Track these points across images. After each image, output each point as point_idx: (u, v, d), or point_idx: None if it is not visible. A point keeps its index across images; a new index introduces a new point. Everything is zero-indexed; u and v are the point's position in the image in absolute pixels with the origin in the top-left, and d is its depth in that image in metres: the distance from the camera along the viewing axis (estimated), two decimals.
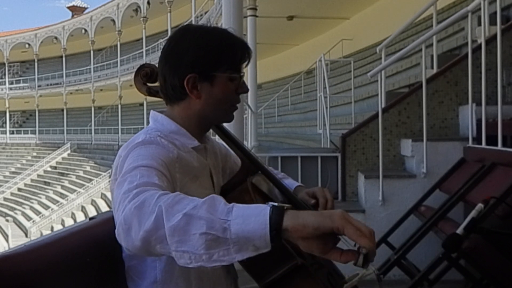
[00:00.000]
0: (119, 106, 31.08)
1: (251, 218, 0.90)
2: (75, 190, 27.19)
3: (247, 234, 0.90)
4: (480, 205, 2.40)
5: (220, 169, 1.44)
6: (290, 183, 1.59)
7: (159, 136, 1.25)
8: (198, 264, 0.92)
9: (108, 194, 24.67)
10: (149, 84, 1.43)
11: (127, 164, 1.14)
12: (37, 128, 36.75)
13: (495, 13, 3.93)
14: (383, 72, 4.53)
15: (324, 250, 0.93)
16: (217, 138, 1.50)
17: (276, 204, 0.92)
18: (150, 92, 1.43)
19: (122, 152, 1.22)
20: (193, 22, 23.25)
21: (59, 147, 33.87)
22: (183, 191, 1.20)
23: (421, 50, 4.26)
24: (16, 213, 28.39)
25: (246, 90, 1.37)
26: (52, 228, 23.26)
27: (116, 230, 1.00)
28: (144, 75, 1.41)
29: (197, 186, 1.27)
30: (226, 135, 1.43)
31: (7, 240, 24.53)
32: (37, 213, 27.39)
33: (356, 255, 0.91)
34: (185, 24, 1.46)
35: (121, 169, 1.16)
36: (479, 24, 4.24)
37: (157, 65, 1.37)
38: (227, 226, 0.90)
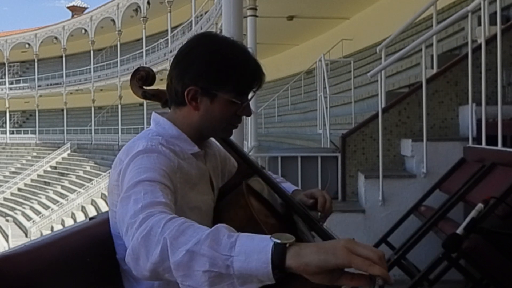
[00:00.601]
0: (119, 106, 31.08)
1: (254, 256, 0.89)
2: (75, 190, 27.19)
3: (250, 271, 0.89)
4: (480, 205, 2.40)
5: (219, 171, 1.43)
6: (288, 186, 1.58)
7: (160, 143, 1.22)
8: None
9: None
10: (144, 88, 1.41)
11: (130, 176, 1.13)
12: (37, 128, 36.75)
13: (495, 13, 3.93)
14: (383, 72, 4.53)
15: (331, 281, 0.91)
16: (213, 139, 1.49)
17: (278, 240, 0.90)
18: (145, 96, 1.41)
19: (124, 158, 1.20)
20: (193, 22, 23.28)
21: (59, 147, 33.87)
22: (184, 200, 1.19)
23: (421, 50, 4.26)
24: (16, 213, 28.39)
25: (247, 114, 1.31)
26: (52, 228, 23.26)
27: (125, 258, 1.00)
28: (140, 78, 1.39)
29: (196, 193, 1.26)
30: (223, 138, 1.42)
31: (7, 240, 24.52)
32: (37, 213, 27.39)
33: (368, 280, 0.88)
34: (207, 30, 1.45)
35: (123, 177, 1.15)
36: (479, 24, 4.23)
37: (156, 66, 1.35)
38: (229, 263, 0.90)
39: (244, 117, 1.37)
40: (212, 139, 1.44)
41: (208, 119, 1.27)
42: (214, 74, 1.23)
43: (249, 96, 1.29)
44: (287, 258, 0.89)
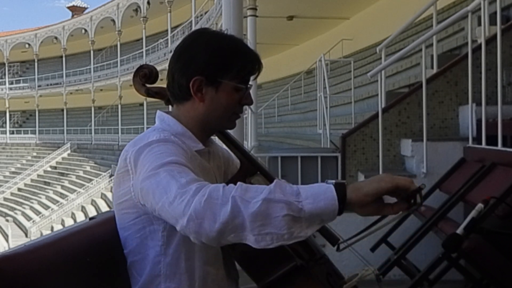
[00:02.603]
0: (119, 106, 31.06)
1: (320, 197, 1.01)
2: (75, 190, 27.16)
3: (319, 211, 1.00)
4: (480, 205, 2.39)
5: (222, 172, 1.44)
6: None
7: (172, 135, 1.25)
8: (279, 243, 1.01)
9: (108, 194, 24.64)
10: (148, 85, 1.43)
11: (151, 160, 1.14)
12: (37, 128, 36.72)
13: (495, 13, 3.93)
14: (383, 72, 4.53)
15: (379, 209, 1.07)
16: (216, 139, 1.50)
17: (334, 181, 1.03)
18: (149, 93, 1.43)
19: (132, 148, 1.22)
20: (193, 22, 23.28)
21: (59, 147, 33.84)
22: None
23: (421, 50, 4.25)
24: (16, 213, 28.37)
25: (250, 103, 1.36)
26: (52, 228, 23.24)
27: (182, 224, 1.02)
28: (143, 76, 1.41)
29: None
30: (225, 136, 1.43)
31: (7, 240, 24.52)
32: (37, 213, 27.38)
33: (405, 204, 1.08)
34: (202, 27, 1.47)
35: (135, 162, 1.18)
36: (479, 24, 4.23)
37: (156, 66, 1.37)
38: (301, 206, 0.99)
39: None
40: (215, 139, 1.45)
41: (214, 109, 1.29)
42: (218, 62, 1.27)
43: (250, 83, 1.34)
44: (348, 192, 1.02)
